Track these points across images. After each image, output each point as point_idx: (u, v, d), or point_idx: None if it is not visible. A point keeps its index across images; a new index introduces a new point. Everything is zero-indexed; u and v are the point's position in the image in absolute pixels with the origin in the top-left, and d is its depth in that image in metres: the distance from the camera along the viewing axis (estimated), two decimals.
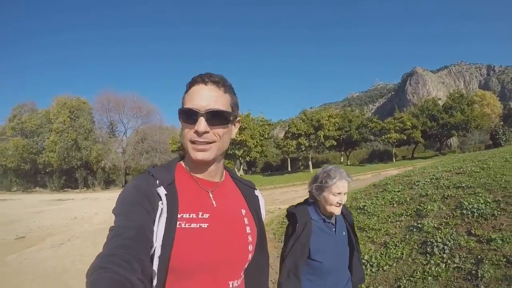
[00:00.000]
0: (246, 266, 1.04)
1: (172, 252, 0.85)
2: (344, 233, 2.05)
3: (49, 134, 40.04)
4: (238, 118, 1.07)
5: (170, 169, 1.01)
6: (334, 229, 2.00)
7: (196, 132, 0.93)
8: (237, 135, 27.92)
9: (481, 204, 4.72)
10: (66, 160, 40.31)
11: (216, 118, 0.94)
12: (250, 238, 1.03)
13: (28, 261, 7.45)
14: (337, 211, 1.93)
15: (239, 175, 1.23)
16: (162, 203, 0.89)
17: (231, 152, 29.21)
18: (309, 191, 2.06)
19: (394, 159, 38.52)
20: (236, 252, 0.98)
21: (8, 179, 42.37)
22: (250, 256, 1.03)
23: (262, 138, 31.82)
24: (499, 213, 4.33)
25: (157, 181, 0.93)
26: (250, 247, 1.03)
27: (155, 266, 0.83)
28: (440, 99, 45.09)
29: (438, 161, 16.12)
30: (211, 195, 1.01)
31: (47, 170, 41.49)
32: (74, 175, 42.03)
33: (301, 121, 33.50)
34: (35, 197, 29.89)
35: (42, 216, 15.57)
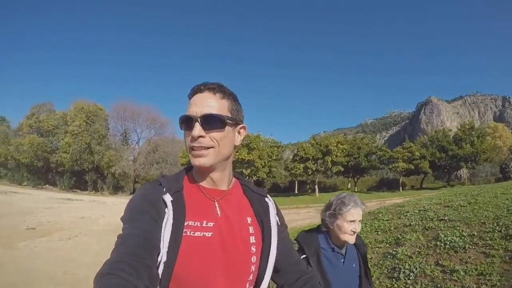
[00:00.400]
0: (251, 277, 1.00)
1: (177, 259, 0.87)
2: (354, 265, 1.94)
3: (64, 135, 41.36)
4: (241, 125, 1.06)
5: (179, 178, 1.02)
6: (342, 260, 1.89)
7: (192, 137, 0.95)
8: (246, 155, 28.24)
9: (456, 237, 5.03)
10: (78, 162, 41.42)
11: (211, 122, 0.95)
12: (253, 249, 1.00)
13: (38, 249, 8.10)
14: (351, 239, 1.85)
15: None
16: (167, 210, 0.90)
17: (238, 171, 29.60)
18: (322, 219, 1.96)
19: (401, 188, 38.26)
20: (238, 263, 0.96)
21: (20, 174, 43.55)
22: (253, 267, 0.99)
23: (270, 159, 31.97)
24: (470, 246, 4.64)
25: (164, 189, 0.95)
26: (253, 259, 0.99)
27: (160, 272, 0.83)
28: (451, 130, 44.92)
29: (440, 193, 16.22)
30: (216, 204, 1.00)
31: (59, 170, 42.58)
32: (84, 177, 43.04)
33: (309, 145, 33.91)
34: (45, 194, 30.71)
35: (51, 212, 16.23)
